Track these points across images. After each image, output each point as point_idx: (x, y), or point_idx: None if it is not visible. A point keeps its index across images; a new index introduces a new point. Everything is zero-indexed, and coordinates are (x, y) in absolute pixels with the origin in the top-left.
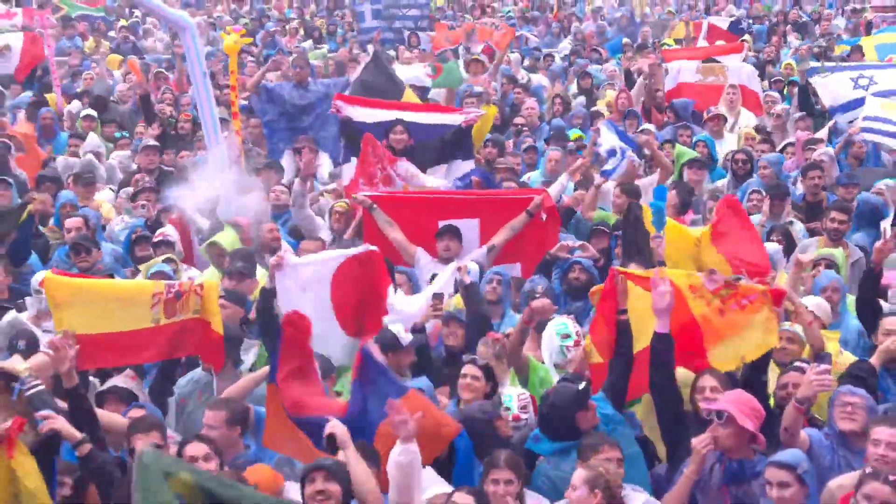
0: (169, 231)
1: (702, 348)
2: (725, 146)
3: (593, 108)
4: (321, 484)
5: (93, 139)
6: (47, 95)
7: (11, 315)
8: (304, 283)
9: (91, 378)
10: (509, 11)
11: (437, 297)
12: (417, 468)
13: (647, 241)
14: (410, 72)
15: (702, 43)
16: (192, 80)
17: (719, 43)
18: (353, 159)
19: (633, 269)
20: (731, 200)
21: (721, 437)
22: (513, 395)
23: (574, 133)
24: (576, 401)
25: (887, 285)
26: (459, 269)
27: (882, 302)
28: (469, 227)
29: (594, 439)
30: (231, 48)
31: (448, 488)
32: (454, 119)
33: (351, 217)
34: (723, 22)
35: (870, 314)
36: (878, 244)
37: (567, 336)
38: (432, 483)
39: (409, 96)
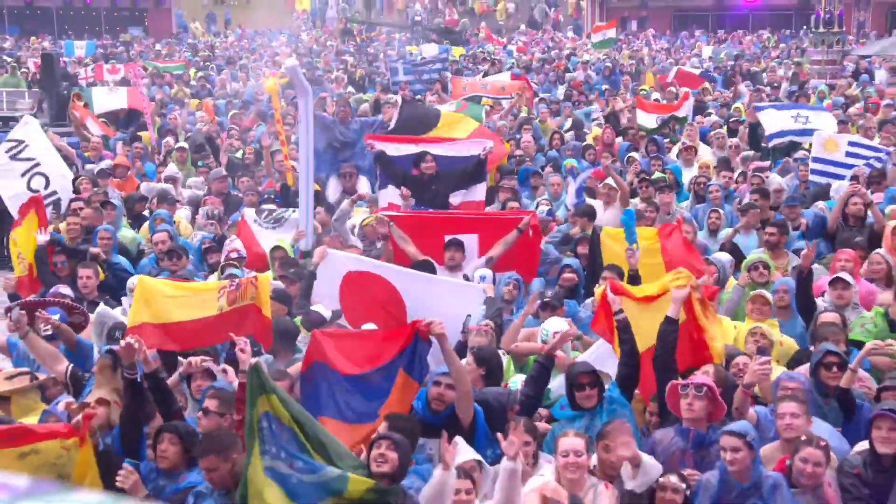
0: (238, 246)
1: (704, 343)
2: (690, 174)
3: (584, 143)
4: (384, 450)
5: (171, 168)
6: (141, 133)
7: (101, 307)
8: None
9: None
10: (513, 63)
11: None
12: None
13: (600, 259)
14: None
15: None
16: (301, 141)
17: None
18: (390, 186)
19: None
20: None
21: (696, 407)
22: (518, 381)
23: (567, 162)
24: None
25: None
26: (485, 289)
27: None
28: (470, 241)
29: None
30: (271, 88)
31: (476, 455)
32: (473, 150)
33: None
34: (694, 70)
35: (805, 310)
36: (804, 252)
37: (557, 334)
38: (463, 450)
39: (446, 118)
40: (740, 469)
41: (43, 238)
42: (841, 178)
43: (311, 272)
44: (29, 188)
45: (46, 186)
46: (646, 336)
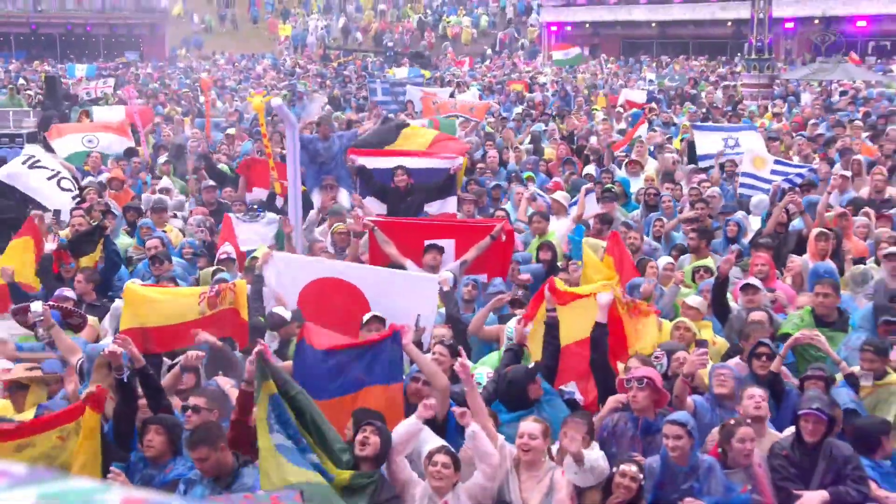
0: (229, 249)
1: (625, 342)
2: (637, 185)
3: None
4: (368, 434)
5: (165, 181)
6: (137, 147)
7: (118, 302)
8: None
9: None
10: (479, 85)
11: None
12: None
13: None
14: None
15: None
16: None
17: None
18: (368, 196)
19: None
20: (615, 235)
21: (639, 397)
22: (483, 373)
23: (526, 175)
24: (527, 376)
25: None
26: (441, 280)
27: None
28: (447, 245)
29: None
30: (258, 106)
31: (442, 442)
32: (441, 164)
33: (347, 236)
34: (640, 95)
35: (721, 311)
36: (722, 259)
37: (510, 338)
38: (430, 439)
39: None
40: (681, 455)
41: (50, 246)
42: (766, 192)
43: (258, 276)
44: (60, 187)
45: (80, 190)
46: (573, 329)
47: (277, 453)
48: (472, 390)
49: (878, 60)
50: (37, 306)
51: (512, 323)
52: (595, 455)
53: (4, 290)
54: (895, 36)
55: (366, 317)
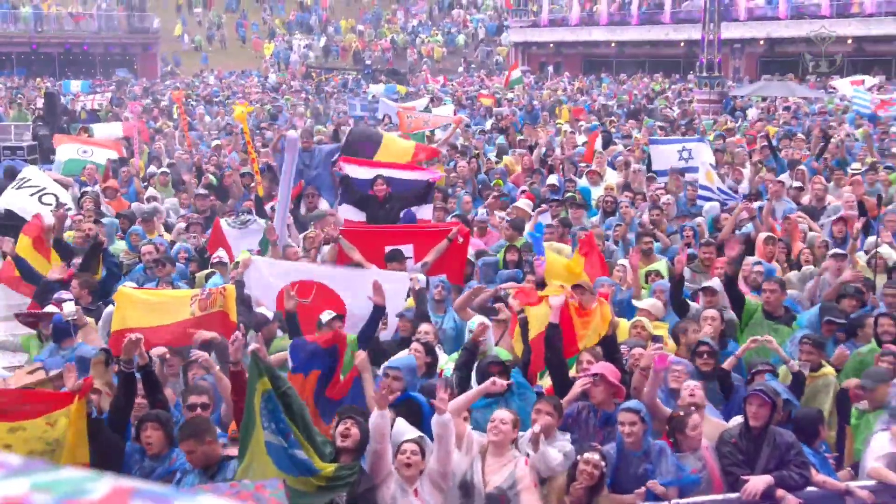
0: (222, 254)
1: (574, 338)
2: (597, 193)
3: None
4: (349, 426)
5: (151, 190)
6: (130, 160)
7: (110, 308)
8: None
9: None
10: (450, 100)
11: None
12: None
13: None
14: (395, 141)
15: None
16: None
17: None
18: (346, 204)
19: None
20: (590, 235)
21: (595, 392)
22: (449, 369)
23: (496, 182)
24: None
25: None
26: (412, 279)
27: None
28: (407, 250)
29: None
30: (240, 116)
31: (417, 433)
32: (421, 176)
33: (317, 239)
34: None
35: (680, 310)
36: (676, 258)
37: (481, 325)
38: (406, 430)
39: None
40: (635, 440)
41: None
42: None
43: (239, 281)
44: (41, 202)
45: (57, 202)
46: (541, 326)
47: (266, 452)
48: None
49: (818, 78)
50: (69, 307)
51: (475, 320)
52: (552, 452)
53: (10, 264)
54: (832, 56)
55: (325, 317)
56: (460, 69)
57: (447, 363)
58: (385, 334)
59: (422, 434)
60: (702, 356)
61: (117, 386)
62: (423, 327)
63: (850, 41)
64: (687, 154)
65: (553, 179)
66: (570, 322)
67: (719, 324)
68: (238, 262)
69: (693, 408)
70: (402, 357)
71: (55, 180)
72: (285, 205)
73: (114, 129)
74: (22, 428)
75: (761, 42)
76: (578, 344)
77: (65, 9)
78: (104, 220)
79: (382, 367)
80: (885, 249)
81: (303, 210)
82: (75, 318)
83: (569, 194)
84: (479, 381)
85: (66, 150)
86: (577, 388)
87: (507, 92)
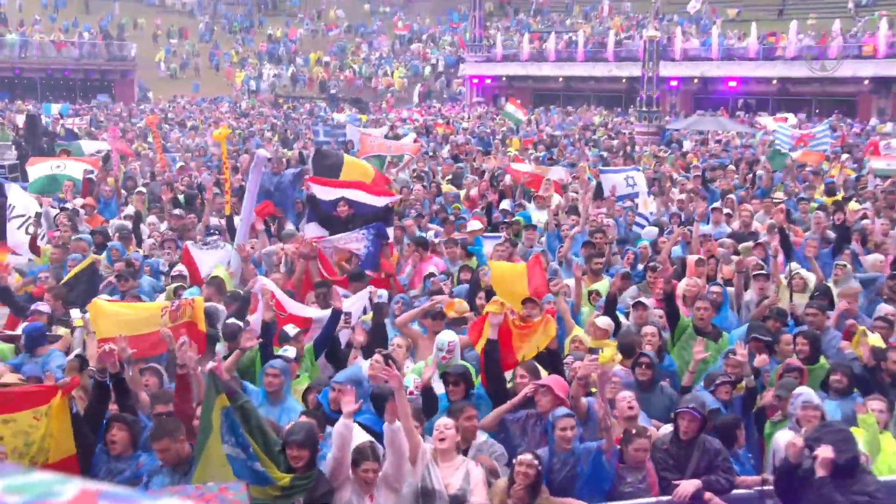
0: (181, 269)
1: (512, 351)
2: (544, 216)
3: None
4: (295, 452)
5: (130, 208)
6: (109, 179)
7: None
8: None
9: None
10: (409, 129)
11: (347, 314)
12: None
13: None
14: (356, 162)
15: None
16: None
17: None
18: (313, 223)
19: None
20: (536, 257)
21: (543, 401)
22: (410, 379)
23: (454, 206)
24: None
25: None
26: (371, 292)
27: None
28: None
29: (460, 405)
30: (217, 136)
31: (368, 438)
32: (381, 200)
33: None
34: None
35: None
36: (612, 279)
37: (441, 349)
38: (359, 435)
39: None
40: (567, 443)
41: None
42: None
43: (245, 297)
44: (27, 233)
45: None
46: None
47: (227, 463)
48: (400, 395)
49: (746, 115)
50: (76, 314)
51: (443, 336)
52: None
53: None
54: (758, 95)
55: (291, 331)
56: (415, 99)
57: (407, 377)
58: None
59: (373, 440)
60: (641, 367)
61: (91, 392)
62: (397, 340)
63: (774, 82)
64: (632, 181)
65: (505, 204)
66: (509, 336)
67: (658, 339)
68: (215, 276)
69: (647, 431)
70: (347, 370)
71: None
72: (248, 218)
73: (99, 145)
74: (13, 420)
75: (695, 80)
76: (517, 356)
77: (48, 36)
78: (80, 235)
79: (332, 379)
80: (803, 271)
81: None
82: (82, 323)
83: (514, 219)
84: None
85: (40, 169)
86: (520, 396)
87: (462, 122)
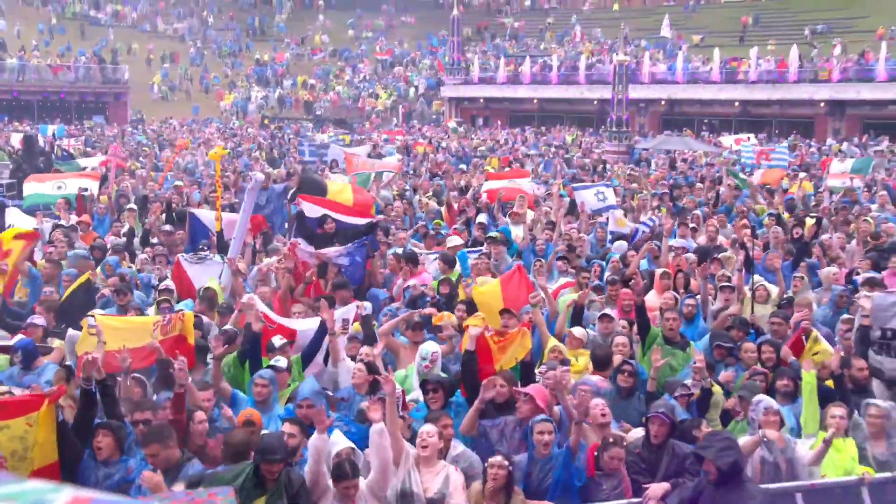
0: (169, 284)
1: (491, 363)
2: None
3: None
4: (273, 468)
5: (126, 225)
6: (102, 197)
7: (70, 332)
8: None
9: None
10: (392, 150)
11: (345, 321)
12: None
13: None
14: (337, 180)
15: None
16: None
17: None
18: (300, 238)
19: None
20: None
21: (523, 409)
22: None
23: (436, 222)
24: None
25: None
26: (358, 306)
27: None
28: None
29: (437, 414)
30: (214, 155)
31: (348, 443)
32: (362, 221)
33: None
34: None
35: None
36: (580, 293)
37: (424, 359)
38: (340, 441)
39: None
40: (546, 448)
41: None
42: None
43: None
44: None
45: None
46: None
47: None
48: (391, 400)
49: (710, 135)
50: (91, 321)
51: (426, 346)
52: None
53: None
54: (721, 116)
55: (277, 342)
56: (394, 120)
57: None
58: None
59: (353, 446)
60: (624, 374)
61: (78, 400)
62: (364, 349)
63: (736, 104)
64: (602, 196)
65: (482, 218)
66: (487, 348)
67: (629, 349)
68: (208, 287)
69: (623, 440)
70: (307, 383)
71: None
72: (242, 235)
73: (95, 161)
74: (7, 426)
75: (663, 102)
76: (495, 366)
77: (45, 61)
78: (77, 251)
79: (296, 397)
80: (766, 283)
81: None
82: (95, 331)
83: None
84: (425, 396)
85: (38, 187)
86: (483, 396)
87: (443, 141)
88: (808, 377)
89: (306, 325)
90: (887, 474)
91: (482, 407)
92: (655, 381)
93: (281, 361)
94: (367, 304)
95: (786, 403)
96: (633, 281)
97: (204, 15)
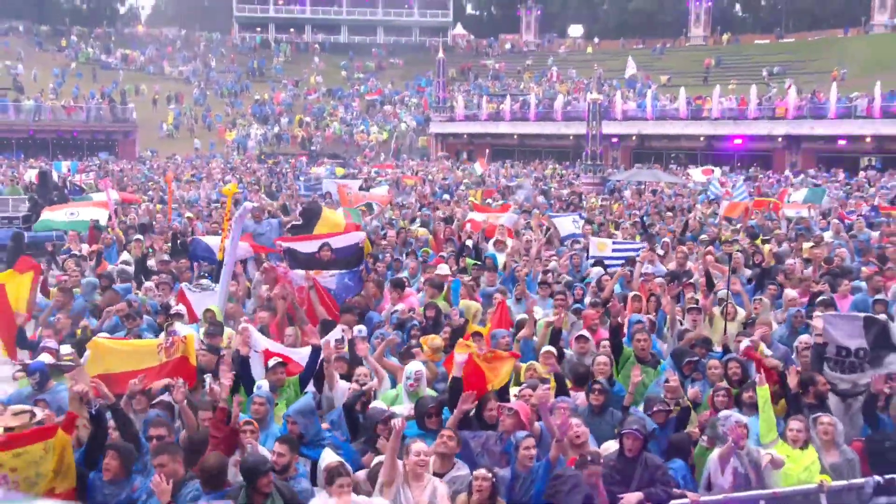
0: (181, 309)
1: (484, 382)
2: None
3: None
4: (267, 478)
5: (125, 255)
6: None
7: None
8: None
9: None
10: (383, 181)
11: (339, 342)
12: None
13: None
14: (333, 214)
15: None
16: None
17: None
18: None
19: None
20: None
21: (507, 423)
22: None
23: (424, 250)
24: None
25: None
26: (343, 330)
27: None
28: None
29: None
30: (226, 191)
31: (337, 459)
32: (354, 240)
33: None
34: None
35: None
36: (555, 316)
37: (409, 378)
38: (328, 456)
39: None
40: (530, 462)
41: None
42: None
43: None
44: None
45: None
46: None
47: None
48: (395, 439)
49: (677, 167)
50: (66, 349)
51: (410, 367)
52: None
53: (13, 334)
54: (688, 150)
55: (271, 363)
56: (382, 156)
57: (377, 402)
58: None
59: (341, 460)
60: (594, 392)
61: (90, 423)
62: (360, 370)
63: (702, 139)
64: (577, 223)
65: (468, 242)
66: (479, 370)
67: (609, 368)
68: (209, 308)
69: (600, 458)
70: (299, 402)
71: None
72: (232, 262)
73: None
74: (26, 452)
75: (634, 137)
76: (487, 386)
77: (59, 102)
78: (89, 279)
79: (285, 414)
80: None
81: (251, 272)
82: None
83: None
84: (418, 416)
85: (51, 215)
86: (461, 407)
87: (429, 175)
88: (762, 391)
89: (300, 354)
90: (843, 482)
91: (461, 416)
92: (633, 396)
93: (264, 386)
94: (361, 327)
95: (751, 414)
96: (610, 303)
97: (207, 58)
